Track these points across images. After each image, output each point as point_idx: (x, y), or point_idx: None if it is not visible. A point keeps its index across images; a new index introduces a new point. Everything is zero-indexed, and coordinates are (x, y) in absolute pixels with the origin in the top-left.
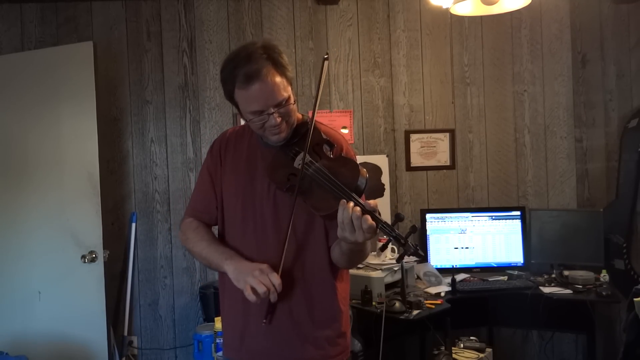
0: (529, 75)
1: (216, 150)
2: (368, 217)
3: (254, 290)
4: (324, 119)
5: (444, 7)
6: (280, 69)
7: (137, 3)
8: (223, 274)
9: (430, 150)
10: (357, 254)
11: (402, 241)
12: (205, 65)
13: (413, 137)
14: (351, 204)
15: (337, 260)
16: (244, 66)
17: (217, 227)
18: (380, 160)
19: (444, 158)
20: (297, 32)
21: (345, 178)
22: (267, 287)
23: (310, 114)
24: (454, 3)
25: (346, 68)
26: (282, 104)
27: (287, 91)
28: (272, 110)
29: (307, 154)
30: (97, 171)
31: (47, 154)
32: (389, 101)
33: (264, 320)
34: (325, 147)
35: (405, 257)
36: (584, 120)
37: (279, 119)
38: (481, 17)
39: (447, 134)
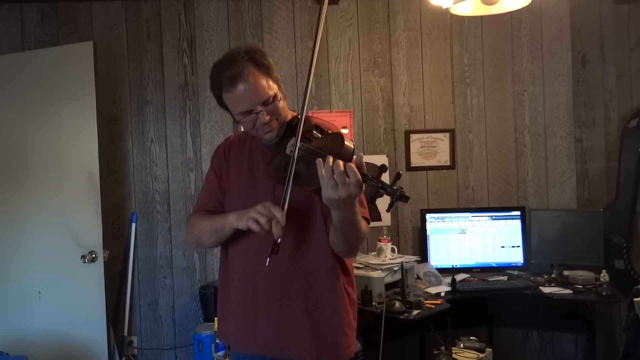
0: (529, 75)
1: (220, 152)
2: (351, 165)
3: (257, 222)
4: (324, 118)
5: (444, 7)
6: (263, 69)
7: (137, 3)
8: (225, 273)
9: (430, 150)
10: (350, 228)
11: (388, 189)
12: (205, 65)
13: (413, 137)
14: (330, 158)
15: (334, 242)
16: (227, 69)
17: None
18: (380, 160)
19: (444, 158)
20: (297, 32)
21: (330, 149)
22: (267, 217)
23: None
24: (454, 3)
25: (346, 68)
26: (269, 102)
27: (272, 89)
28: (259, 109)
29: (298, 139)
30: (97, 171)
31: (47, 154)
32: (389, 101)
33: (268, 259)
34: (315, 133)
35: (395, 203)
36: (584, 120)
37: (267, 117)
38: (481, 17)
39: (447, 134)
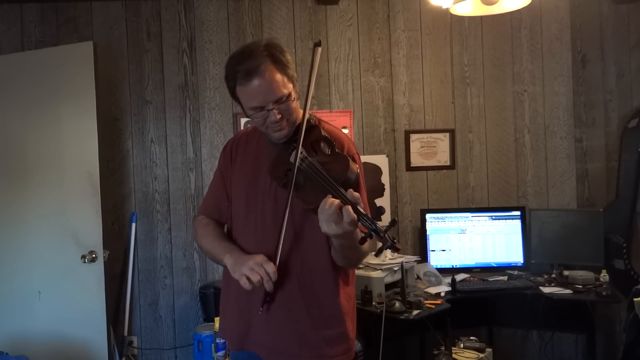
0: (529, 75)
1: (228, 150)
2: (349, 207)
3: (248, 279)
4: (323, 118)
5: (444, 7)
6: (281, 66)
7: (137, 3)
8: (227, 270)
9: (430, 150)
10: (349, 251)
11: (381, 234)
12: (205, 65)
13: (413, 137)
14: (330, 197)
15: (335, 258)
16: (244, 62)
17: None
18: (380, 160)
19: (444, 158)
20: (297, 32)
21: (335, 172)
22: (261, 276)
23: (310, 113)
24: (454, 3)
25: (346, 68)
26: (282, 100)
27: (287, 88)
28: (271, 107)
29: (302, 150)
30: (97, 171)
31: (47, 153)
32: (389, 101)
33: (260, 309)
34: (323, 145)
35: (384, 250)
36: (584, 120)
37: (278, 116)
38: (481, 17)
39: (447, 134)
